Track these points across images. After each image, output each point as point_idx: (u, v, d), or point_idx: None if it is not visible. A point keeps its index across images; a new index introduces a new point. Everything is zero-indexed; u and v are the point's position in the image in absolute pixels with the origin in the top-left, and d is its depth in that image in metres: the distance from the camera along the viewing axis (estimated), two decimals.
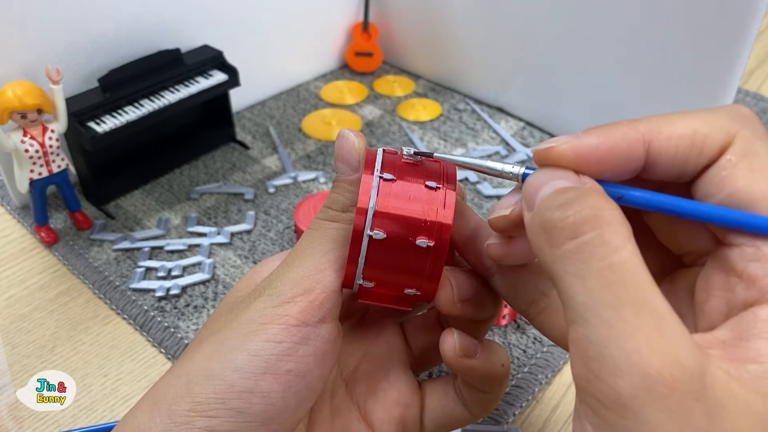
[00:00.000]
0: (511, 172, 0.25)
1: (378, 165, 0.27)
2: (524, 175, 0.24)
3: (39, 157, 0.47)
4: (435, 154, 0.27)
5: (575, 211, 0.20)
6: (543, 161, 0.23)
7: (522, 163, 0.60)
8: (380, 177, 0.26)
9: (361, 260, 0.26)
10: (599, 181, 0.22)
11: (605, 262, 0.19)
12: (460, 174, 0.57)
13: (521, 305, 0.28)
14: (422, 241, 0.26)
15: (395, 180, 0.26)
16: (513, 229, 0.25)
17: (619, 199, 0.22)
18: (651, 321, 0.18)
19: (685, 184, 0.23)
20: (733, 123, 0.22)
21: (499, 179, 0.58)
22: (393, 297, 0.28)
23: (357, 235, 0.26)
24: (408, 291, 0.27)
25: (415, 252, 0.26)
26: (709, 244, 0.23)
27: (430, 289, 0.27)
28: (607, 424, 0.18)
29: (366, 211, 0.26)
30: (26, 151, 0.46)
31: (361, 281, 0.27)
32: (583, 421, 0.19)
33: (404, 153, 0.27)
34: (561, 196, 0.21)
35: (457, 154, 0.27)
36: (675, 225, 0.24)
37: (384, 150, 0.28)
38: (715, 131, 0.21)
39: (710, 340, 0.20)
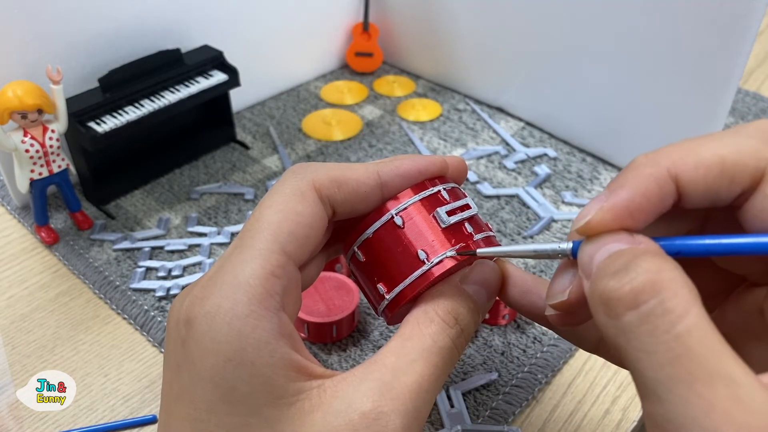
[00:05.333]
0: (560, 249, 0.24)
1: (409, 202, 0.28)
2: (574, 248, 0.23)
3: (39, 157, 0.47)
4: (478, 252, 0.27)
5: (631, 278, 0.19)
6: (587, 234, 0.22)
7: (522, 162, 0.60)
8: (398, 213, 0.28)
9: (370, 230, 0.28)
10: (654, 237, 0.21)
11: (671, 333, 0.18)
12: None
13: (588, 347, 0.27)
14: (422, 254, 0.27)
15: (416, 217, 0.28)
16: (576, 308, 0.24)
17: (677, 255, 0.21)
18: (726, 392, 0.17)
19: (728, 207, 0.22)
20: (763, 146, 0.21)
21: (499, 181, 0.58)
22: (370, 283, 0.29)
23: (382, 209, 0.28)
24: (380, 287, 0.28)
25: (411, 259, 0.27)
26: None
27: (395, 300, 0.28)
28: None
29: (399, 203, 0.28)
30: (26, 151, 0.46)
31: (355, 248, 0.28)
32: None
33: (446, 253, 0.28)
34: (615, 262, 0.20)
35: (502, 246, 0.27)
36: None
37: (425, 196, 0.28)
38: (745, 157, 0.21)
39: None
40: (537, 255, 0.25)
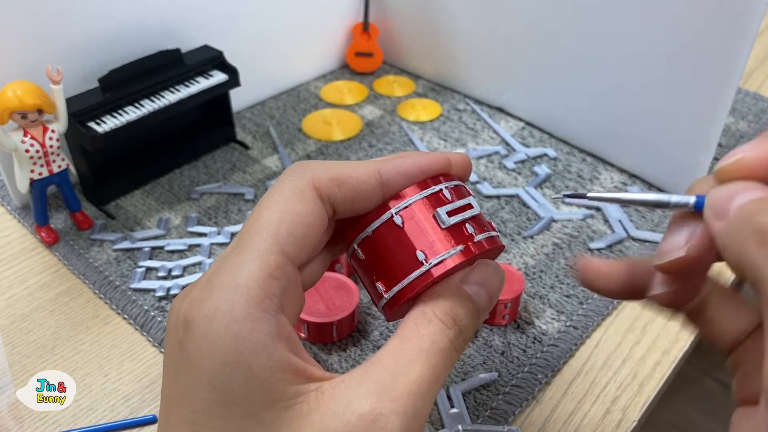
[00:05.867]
0: (683, 201, 0.24)
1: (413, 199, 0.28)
2: (697, 202, 0.24)
3: (39, 157, 0.47)
4: (588, 194, 0.27)
5: None
6: (730, 174, 0.22)
7: (522, 162, 0.60)
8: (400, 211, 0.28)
9: (370, 229, 0.28)
10: None
11: None
12: None
13: (726, 342, 0.26)
14: (421, 254, 0.27)
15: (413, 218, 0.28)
16: (694, 265, 0.24)
17: None
18: None
19: None
20: None
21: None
22: (370, 281, 0.29)
23: (383, 208, 0.28)
24: (379, 286, 0.28)
25: (410, 259, 0.27)
26: None
27: (393, 300, 0.28)
28: None
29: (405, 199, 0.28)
30: (27, 151, 0.46)
31: (356, 246, 0.28)
32: None
33: (562, 195, 0.28)
34: (763, 203, 0.21)
35: (616, 193, 0.26)
36: None
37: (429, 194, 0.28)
38: None
39: None
40: (655, 204, 0.25)
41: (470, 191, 0.30)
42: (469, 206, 0.28)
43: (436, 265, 0.27)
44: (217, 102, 0.59)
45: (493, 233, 0.29)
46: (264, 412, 0.23)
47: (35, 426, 0.39)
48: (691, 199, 0.24)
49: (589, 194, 0.26)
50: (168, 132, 0.59)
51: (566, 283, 0.48)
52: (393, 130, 0.65)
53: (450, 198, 0.28)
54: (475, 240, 0.28)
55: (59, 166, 0.48)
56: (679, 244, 0.24)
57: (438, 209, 0.27)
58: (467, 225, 0.28)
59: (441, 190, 0.28)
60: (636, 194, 0.25)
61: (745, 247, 0.21)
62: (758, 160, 0.22)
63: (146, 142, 0.58)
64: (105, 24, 0.52)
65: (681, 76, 0.51)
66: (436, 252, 0.27)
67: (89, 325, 0.45)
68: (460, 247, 0.27)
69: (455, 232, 0.27)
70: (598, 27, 0.55)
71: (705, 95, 0.50)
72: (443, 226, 0.27)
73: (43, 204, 0.49)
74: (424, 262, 0.27)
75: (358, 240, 0.28)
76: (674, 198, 0.24)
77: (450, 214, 0.27)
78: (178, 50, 0.55)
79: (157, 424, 0.37)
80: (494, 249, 0.29)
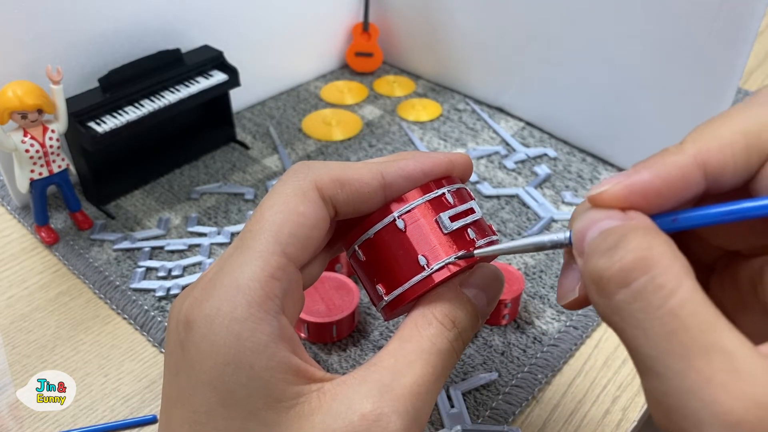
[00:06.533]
0: (558, 240, 0.23)
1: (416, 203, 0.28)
2: (570, 237, 0.23)
3: (39, 157, 0.47)
4: (475, 252, 0.27)
5: (620, 256, 0.19)
6: (596, 205, 0.22)
7: (522, 162, 0.60)
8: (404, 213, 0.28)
9: (372, 231, 0.28)
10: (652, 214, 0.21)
11: (664, 309, 0.18)
12: None
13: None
14: (423, 259, 0.27)
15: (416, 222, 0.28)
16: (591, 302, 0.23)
17: (674, 222, 0.21)
18: (723, 364, 0.17)
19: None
20: None
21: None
22: (370, 282, 0.29)
23: (385, 210, 0.28)
24: (379, 288, 0.28)
25: (411, 263, 0.27)
26: None
27: (393, 303, 0.28)
28: None
29: (407, 203, 0.28)
30: (27, 151, 0.46)
31: (356, 247, 0.28)
32: None
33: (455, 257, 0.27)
34: (606, 240, 0.20)
35: (500, 244, 0.27)
36: (728, 227, 0.23)
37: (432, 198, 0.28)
38: (767, 125, 0.21)
39: None
40: (537, 248, 0.24)
41: (472, 194, 0.30)
42: (471, 211, 0.28)
43: (437, 270, 0.27)
44: (217, 102, 0.59)
45: (494, 237, 0.29)
46: (265, 413, 0.23)
47: (35, 426, 0.39)
48: (565, 235, 0.23)
49: (475, 252, 0.27)
50: (168, 132, 0.59)
51: None
52: (393, 130, 0.65)
53: (452, 202, 0.28)
54: (476, 245, 0.28)
55: (59, 166, 0.48)
56: (571, 286, 0.24)
57: (440, 214, 0.27)
58: (469, 230, 0.28)
59: (443, 194, 0.28)
60: (514, 242, 0.25)
61: (591, 297, 0.20)
62: (622, 191, 0.21)
63: (146, 142, 0.58)
64: (105, 24, 0.52)
65: (681, 77, 0.51)
66: (438, 257, 0.27)
67: (89, 325, 0.45)
68: (461, 253, 0.27)
69: (457, 237, 0.27)
70: (598, 27, 0.55)
71: (705, 95, 0.50)
72: (445, 231, 0.27)
73: (43, 204, 0.49)
74: (425, 266, 0.27)
75: (360, 241, 0.28)
76: (548, 238, 0.24)
77: (452, 219, 0.27)
78: (178, 50, 0.55)
79: (157, 424, 0.37)
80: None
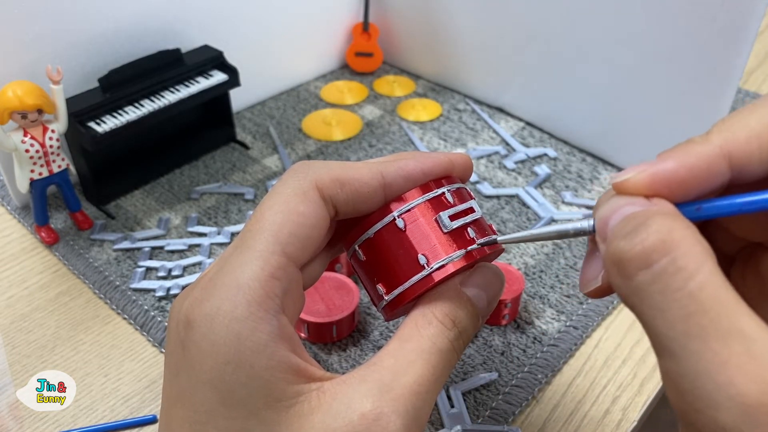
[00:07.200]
0: (582, 228, 0.23)
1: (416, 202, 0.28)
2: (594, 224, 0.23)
3: (39, 157, 0.47)
4: (498, 239, 0.27)
5: (642, 238, 0.19)
6: (620, 193, 0.22)
7: (522, 162, 0.60)
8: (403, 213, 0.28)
9: (371, 231, 0.28)
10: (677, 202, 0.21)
11: (683, 291, 0.18)
12: None
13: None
14: (423, 258, 0.27)
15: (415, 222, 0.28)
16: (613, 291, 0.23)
17: (697, 210, 0.21)
18: (740, 347, 0.17)
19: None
20: None
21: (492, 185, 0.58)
22: (370, 282, 0.29)
23: (385, 210, 0.28)
24: (379, 288, 0.28)
25: (411, 262, 0.27)
26: None
27: (393, 302, 0.28)
28: None
29: (406, 202, 0.28)
30: (27, 151, 0.46)
31: (357, 247, 0.28)
32: None
33: (476, 242, 0.28)
34: (628, 224, 0.20)
35: (522, 231, 0.27)
36: (752, 217, 0.23)
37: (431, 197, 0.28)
38: None
39: None
40: (560, 236, 0.24)
41: (472, 194, 0.30)
42: (471, 210, 0.28)
43: (437, 269, 0.27)
44: (217, 102, 0.59)
45: (494, 237, 0.29)
46: (265, 412, 0.23)
47: (35, 426, 0.39)
48: (589, 223, 0.23)
49: (498, 238, 0.27)
50: (168, 132, 0.59)
51: (566, 283, 0.48)
52: (393, 130, 0.65)
53: (452, 202, 0.28)
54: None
55: (59, 166, 0.48)
56: (594, 274, 0.24)
57: (440, 213, 0.27)
58: (469, 229, 0.28)
59: (443, 193, 0.28)
60: (537, 230, 0.25)
61: (612, 279, 0.20)
62: (646, 179, 0.21)
63: (146, 142, 0.58)
64: (105, 24, 0.52)
65: (681, 76, 0.51)
66: (438, 256, 0.27)
67: (89, 325, 0.45)
68: (461, 252, 0.27)
69: (457, 237, 0.27)
70: (599, 27, 0.55)
71: (705, 95, 0.50)
72: (445, 230, 0.27)
73: (43, 204, 0.49)
74: (425, 266, 0.27)
75: (360, 241, 0.28)
76: (572, 226, 0.24)
77: (452, 218, 0.27)
78: (178, 50, 0.55)
79: (157, 424, 0.37)
80: (495, 253, 0.29)
